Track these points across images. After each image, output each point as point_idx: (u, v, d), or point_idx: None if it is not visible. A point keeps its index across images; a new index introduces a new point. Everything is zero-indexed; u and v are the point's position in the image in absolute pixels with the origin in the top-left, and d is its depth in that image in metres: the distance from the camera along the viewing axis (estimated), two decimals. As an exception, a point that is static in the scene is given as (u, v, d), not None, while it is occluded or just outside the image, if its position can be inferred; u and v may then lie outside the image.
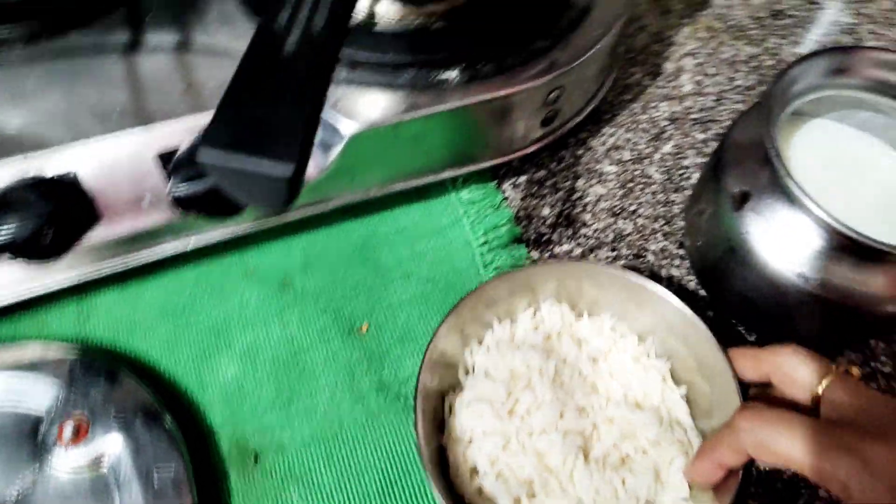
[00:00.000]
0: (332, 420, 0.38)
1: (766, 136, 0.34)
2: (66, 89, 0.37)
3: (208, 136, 0.20)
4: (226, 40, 0.39)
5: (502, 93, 0.40)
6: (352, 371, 0.40)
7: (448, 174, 0.44)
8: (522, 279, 0.38)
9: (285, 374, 0.40)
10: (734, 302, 0.41)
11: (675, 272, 0.44)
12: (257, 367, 0.40)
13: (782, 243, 0.35)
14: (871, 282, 0.33)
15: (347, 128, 0.37)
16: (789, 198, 0.34)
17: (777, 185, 0.35)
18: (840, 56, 0.36)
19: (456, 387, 0.37)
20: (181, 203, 0.35)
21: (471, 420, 0.35)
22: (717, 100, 0.54)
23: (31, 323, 0.41)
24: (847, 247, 0.33)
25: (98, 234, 0.35)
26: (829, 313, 0.36)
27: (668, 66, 0.55)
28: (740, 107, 0.53)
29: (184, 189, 0.34)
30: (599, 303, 0.39)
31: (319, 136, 0.37)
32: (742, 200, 0.37)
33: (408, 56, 0.40)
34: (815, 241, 0.34)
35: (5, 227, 0.32)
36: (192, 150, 0.33)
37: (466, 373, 0.38)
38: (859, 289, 0.34)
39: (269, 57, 0.22)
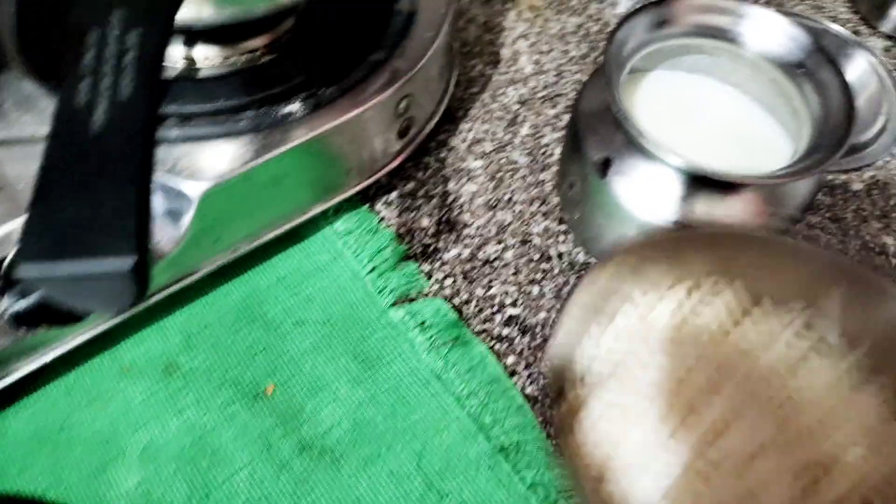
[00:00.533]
0: (259, 501, 0.35)
1: (611, 101, 0.34)
2: None
3: (25, 250, 0.16)
4: (32, 128, 0.35)
5: (351, 114, 0.38)
6: (267, 440, 0.37)
7: (317, 209, 0.41)
8: (669, 248, 0.27)
9: (194, 466, 0.36)
10: (624, 263, 0.42)
11: (562, 248, 0.45)
12: (161, 468, 0.36)
13: (652, 198, 0.36)
14: (737, 212, 0.35)
15: (194, 189, 0.34)
16: (646, 154, 0.35)
17: (632, 144, 0.36)
18: (659, 10, 0.38)
19: (568, 395, 0.26)
20: (22, 321, 0.31)
21: (610, 427, 0.24)
22: (558, 74, 0.55)
23: None
24: (709, 186, 0.35)
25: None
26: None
27: (505, 52, 0.56)
28: (579, 76, 0.55)
29: (21, 304, 0.30)
30: (780, 292, 0.28)
31: (165, 205, 0.34)
32: (605, 166, 0.37)
33: (242, 97, 0.38)
34: (680, 188, 0.35)
35: None
36: (11, 265, 0.29)
37: (581, 378, 0.26)
38: (729, 222, 0.35)
39: (76, 139, 0.19)
